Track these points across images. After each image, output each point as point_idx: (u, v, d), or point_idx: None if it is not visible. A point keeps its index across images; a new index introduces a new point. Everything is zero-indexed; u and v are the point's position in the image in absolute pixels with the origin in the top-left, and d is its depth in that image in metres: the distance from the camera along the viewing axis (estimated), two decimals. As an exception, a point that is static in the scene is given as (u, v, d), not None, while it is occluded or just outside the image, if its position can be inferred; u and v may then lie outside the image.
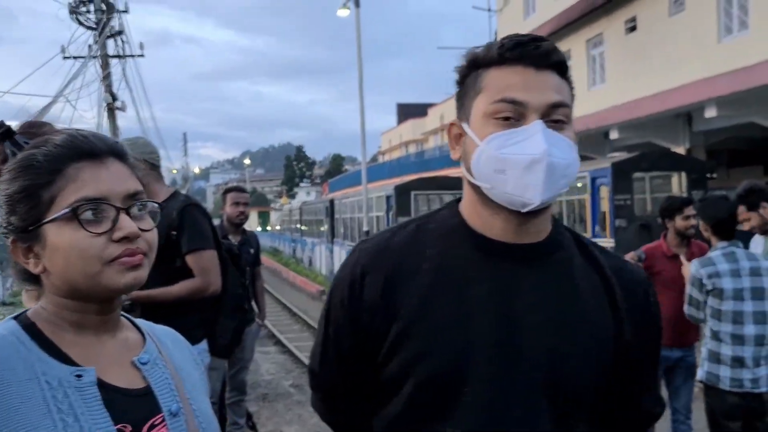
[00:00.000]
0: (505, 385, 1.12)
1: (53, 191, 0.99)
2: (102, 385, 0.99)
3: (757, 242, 3.99)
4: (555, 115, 1.13)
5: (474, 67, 1.18)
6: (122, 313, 1.13)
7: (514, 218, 1.16)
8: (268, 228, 52.63)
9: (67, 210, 0.98)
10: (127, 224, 1.00)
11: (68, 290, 1.02)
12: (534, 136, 1.10)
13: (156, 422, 1.02)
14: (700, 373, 3.65)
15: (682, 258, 4.22)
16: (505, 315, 1.14)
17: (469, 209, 1.22)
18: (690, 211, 4.28)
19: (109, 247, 0.99)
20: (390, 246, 1.23)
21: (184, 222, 3.08)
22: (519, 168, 1.10)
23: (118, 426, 0.97)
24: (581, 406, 1.15)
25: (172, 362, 1.11)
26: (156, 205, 1.08)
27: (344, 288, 1.23)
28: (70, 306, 1.03)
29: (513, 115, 1.12)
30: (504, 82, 1.13)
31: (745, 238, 4.14)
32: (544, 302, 1.16)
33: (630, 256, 4.46)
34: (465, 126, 1.19)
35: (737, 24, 14.31)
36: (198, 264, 3.08)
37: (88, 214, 0.99)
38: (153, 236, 1.06)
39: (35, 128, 1.13)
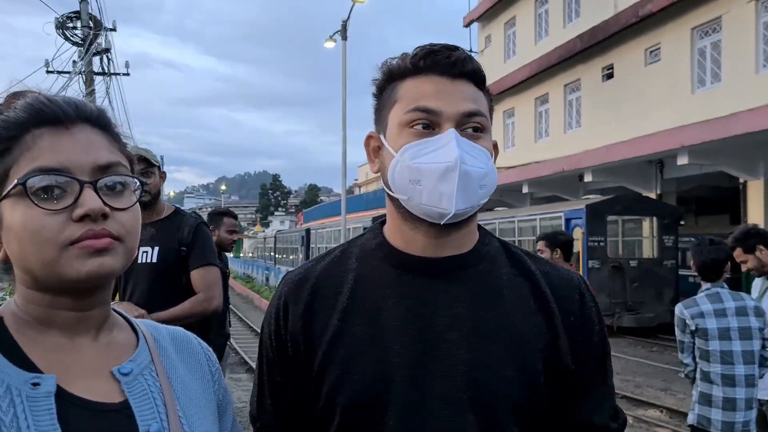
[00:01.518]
0: (427, 405, 1.07)
1: (7, 162, 0.84)
2: (63, 397, 0.82)
3: (756, 284, 4.21)
4: (470, 124, 1.11)
5: (390, 79, 1.16)
6: (116, 309, 0.98)
7: (434, 231, 1.12)
8: (241, 255, 52.28)
9: (16, 182, 0.82)
10: (89, 200, 0.83)
11: (31, 281, 0.86)
12: (448, 144, 1.07)
13: None
14: (690, 417, 3.67)
15: None
16: (423, 332, 1.10)
17: (391, 227, 1.19)
18: (538, 245, 4.93)
19: (68, 227, 0.82)
20: (311, 274, 1.19)
21: (196, 239, 3.06)
22: (433, 177, 1.07)
23: None
24: (511, 417, 1.09)
25: (167, 372, 0.95)
26: (137, 181, 0.91)
27: (270, 322, 1.19)
28: (36, 299, 0.87)
29: (427, 123, 1.10)
30: (418, 92, 1.11)
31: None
32: (464, 316, 1.11)
33: None
34: (382, 138, 1.16)
35: (710, 76, 14.84)
36: (205, 279, 3.04)
37: (40, 189, 0.82)
38: (131, 217, 0.88)
39: (17, 98, 0.91)
